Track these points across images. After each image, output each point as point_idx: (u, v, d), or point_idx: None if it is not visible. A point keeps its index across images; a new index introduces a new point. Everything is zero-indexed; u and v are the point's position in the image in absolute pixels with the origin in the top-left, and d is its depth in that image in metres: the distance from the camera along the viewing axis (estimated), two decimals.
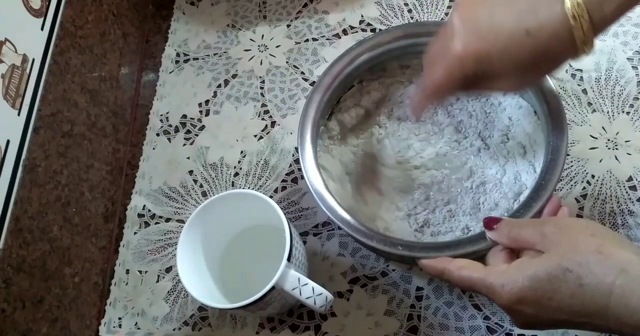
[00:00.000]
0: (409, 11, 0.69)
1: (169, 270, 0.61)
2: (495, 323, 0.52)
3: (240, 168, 0.64)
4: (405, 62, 0.60)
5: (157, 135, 0.68)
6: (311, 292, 0.46)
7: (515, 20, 0.38)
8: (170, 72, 0.72)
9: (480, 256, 0.44)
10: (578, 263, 0.35)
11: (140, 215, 0.64)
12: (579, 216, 0.55)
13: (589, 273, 0.34)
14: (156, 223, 0.63)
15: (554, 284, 0.35)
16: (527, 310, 0.36)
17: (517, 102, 0.56)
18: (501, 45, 0.38)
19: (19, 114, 0.51)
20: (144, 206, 0.64)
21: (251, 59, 0.71)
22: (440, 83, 0.42)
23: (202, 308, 0.58)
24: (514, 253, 0.41)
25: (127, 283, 0.61)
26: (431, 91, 0.44)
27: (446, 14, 0.67)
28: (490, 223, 0.42)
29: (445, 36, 0.42)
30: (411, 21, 0.68)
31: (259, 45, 0.71)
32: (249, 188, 0.63)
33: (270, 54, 0.70)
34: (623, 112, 0.58)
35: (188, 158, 0.66)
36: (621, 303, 0.33)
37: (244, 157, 0.65)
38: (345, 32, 0.69)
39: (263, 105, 0.67)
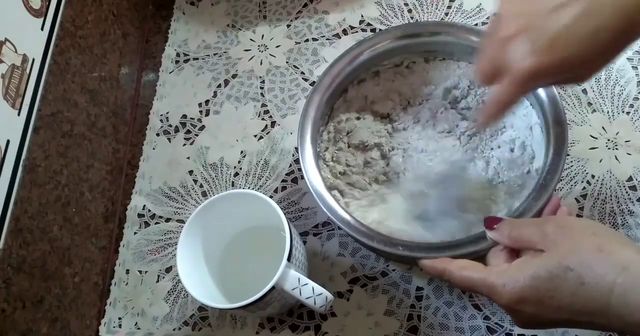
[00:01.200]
0: (409, 11, 0.69)
1: (169, 270, 0.61)
2: (495, 323, 0.52)
3: (240, 168, 0.64)
4: (405, 61, 0.60)
5: (157, 135, 0.68)
6: (311, 292, 0.46)
7: (577, 20, 0.35)
8: (170, 72, 0.72)
9: (480, 256, 0.44)
10: (579, 262, 0.35)
11: (140, 215, 0.64)
12: (579, 216, 0.55)
13: (590, 271, 0.34)
14: (156, 223, 0.63)
15: (555, 283, 0.35)
16: (528, 310, 0.36)
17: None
18: (572, 52, 0.36)
19: (19, 114, 0.51)
20: (144, 206, 0.64)
21: (251, 59, 0.71)
22: (511, 98, 0.40)
23: (202, 308, 0.58)
24: (515, 252, 0.41)
25: (127, 283, 0.61)
26: (503, 106, 0.41)
27: (446, 13, 0.67)
28: (491, 223, 0.42)
29: (503, 45, 0.38)
30: (411, 21, 0.68)
31: (259, 45, 0.71)
32: (249, 188, 0.63)
33: (270, 54, 0.70)
34: (623, 112, 0.58)
35: (188, 158, 0.66)
36: (622, 302, 0.33)
37: (244, 157, 0.65)
38: (345, 32, 0.69)
39: (263, 105, 0.67)
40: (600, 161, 0.57)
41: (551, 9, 0.36)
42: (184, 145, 0.67)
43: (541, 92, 0.50)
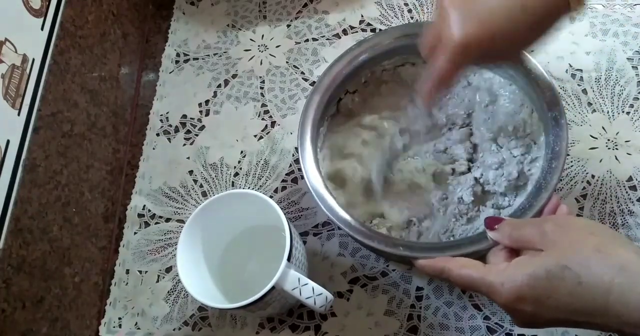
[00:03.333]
0: (409, 11, 0.69)
1: (169, 270, 0.61)
2: (495, 323, 0.52)
3: (240, 168, 0.64)
4: (405, 62, 0.60)
5: (157, 135, 0.68)
6: (311, 292, 0.46)
7: None
8: (170, 72, 0.72)
9: (481, 256, 0.44)
10: (577, 262, 0.35)
11: (140, 215, 0.64)
12: (579, 216, 0.55)
13: (588, 271, 0.34)
14: (156, 223, 0.63)
15: (553, 282, 0.35)
16: (526, 309, 0.36)
17: (519, 100, 0.56)
18: (500, 25, 0.39)
19: (19, 114, 0.51)
20: (144, 206, 0.64)
21: (251, 59, 0.71)
22: (445, 72, 0.42)
23: (202, 308, 0.58)
24: (515, 252, 0.41)
25: (127, 283, 0.61)
26: (438, 80, 0.43)
27: None
28: (492, 223, 0.42)
29: (440, 23, 0.41)
30: (411, 21, 0.68)
31: (259, 45, 0.71)
32: (249, 188, 0.63)
33: (270, 54, 0.70)
34: (623, 112, 0.58)
35: (188, 158, 0.66)
36: (620, 302, 0.33)
37: (244, 157, 0.65)
38: (345, 32, 0.69)
39: (263, 105, 0.67)
40: (600, 161, 0.57)
41: None
42: (184, 145, 0.67)
43: (541, 92, 0.50)
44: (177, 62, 0.73)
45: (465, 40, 0.40)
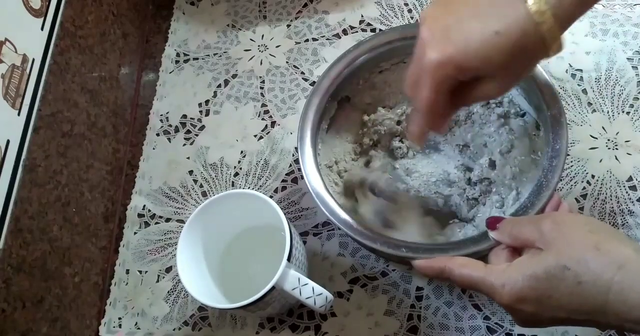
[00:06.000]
0: (409, 11, 0.69)
1: (169, 270, 0.61)
2: (495, 323, 0.52)
3: (240, 168, 0.64)
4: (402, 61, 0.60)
5: (157, 135, 0.68)
6: (311, 292, 0.46)
7: (483, 23, 0.38)
8: (170, 72, 0.72)
9: (482, 257, 0.44)
10: (576, 261, 0.35)
11: (140, 215, 0.64)
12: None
13: (587, 270, 0.34)
14: (156, 223, 0.63)
15: (553, 282, 0.35)
16: (527, 309, 0.36)
17: (516, 102, 0.56)
18: (475, 47, 0.38)
19: (19, 114, 0.51)
20: (144, 206, 0.64)
21: (251, 59, 0.71)
22: (430, 100, 0.41)
23: (202, 308, 0.58)
24: (516, 252, 0.41)
25: (127, 283, 0.61)
26: (426, 112, 0.42)
27: None
28: (493, 222, 0.42)
29: (419, 54, 0.41)
30: (411, 21, 0.68)
31: (259, 45, 0.71)
32: (249, 188, 0.63)
33: (270, 54, 0.70)
34: (623, 112, 0.58)
35: (188, 158, 0.66)
36: (620, 300, 0.33)
37: (244, 157, 0.65)
38: (345, 32, 0.69)
39: (263, 105, 0.67)
40: (600, 161, 0.57)
41: (465, 14, 0.39)
42: (184, 145, 0.67)
43: (541, 92, 0.50)
44: (177, 62, 0.73)
45: (442, 60, 0.39)
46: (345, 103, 0.60)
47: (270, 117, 0.66)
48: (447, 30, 0.39)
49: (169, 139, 0.68)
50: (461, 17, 0.39)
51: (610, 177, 0.56)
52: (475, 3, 0.39)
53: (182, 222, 0.62)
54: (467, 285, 0.41)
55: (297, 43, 0.70)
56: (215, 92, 0.69)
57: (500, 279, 0.38)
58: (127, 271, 0.61)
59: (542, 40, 0.38)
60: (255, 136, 0.66)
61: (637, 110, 0.58)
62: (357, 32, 0.69)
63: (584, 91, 0.60)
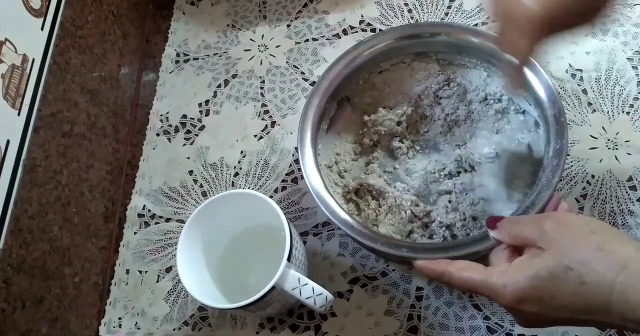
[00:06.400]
0: (409, 11, 0.69)
1: (169, 270, 0.61)
2: (495, 323, 0.52)
3: (240, 168, 0.64)
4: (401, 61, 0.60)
5: (157, 135, 0.68)
6: (311, 292, 0.46)
7: None
8: (170, 72, 0.72)
9: (482, 257, 0.44)
10: (579, 261, 0.35)
11: (140, 215, 0.64)
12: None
13: (590, 270, 0.34)
14: (156, 223, 0.63)
15: (556, 283, 0.35)
16: (530, 309, 0.36)
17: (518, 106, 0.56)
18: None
19: (19, 114, 0.51)
20: (144, 206, 0.64)
21: (251, 59, 0.71)
22: (529, 51, 0.41)
23: (202, 308, 0.58)
24: (517, 252, 0.41)
25: (127, 283, 0.61)
26: (523, 60, 0.43)
27: (446, 13, 0.67)
28: (493, 222, 0.42)
29: (507, 1, 0.40)
30: (411, 21, 0.68)
31: (259, 45, 0.71)
32: (249, 188, 0.63)
33: (270, 54, 0.70)
34: (623, 112, 0.58)
35: (188, 158, 0.66)
36: (623, 300, 0.33)
37: (244, 157, 0.65)
38: (345, 32, 0.69)
39: (263, 105, 0.67)
40: (600, 161, 0.57)
41: None
42: (184, 145, 0.67)
43: (541, 92, 0.51)
44: (177, 62, 0.73)
45: (543, 15, 0.39)
46: (345, 103, 0.60)
47: (270, 117, 0.66)
48: None
49: (169, 139, 0.68)
50: None
51: (610, 177, 0.56)
52: None
53: (182, 222, 0.62)
54: (468, 288, 0.41)
55: (297, 43, 0.70)
56: (215, 92, 0.69)
57: (501, 280, 0.37)
58: (127, 271, 0.61)
59: None
60: (255, 136, 0.66)
61: (637, 110, 0.58)
62: (357, 32, 0.69)
63: (584, 91, 0.60)
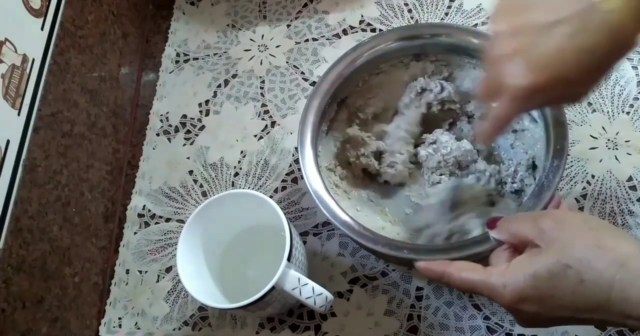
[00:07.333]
0: (409, 11, 0.69)
1: (169, 270, 0.61)
2: (495, 323, 0.52)
3: (240, 168, 0.64)
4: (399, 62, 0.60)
5: (157, 135, 0.68)
6: (311, 292, 0.46)
7: (570, 38, 0.36)
8: (170, 72, 0.72)
9: (483, 258, 0.44)
10: (577, 259, 0.35)
11: (140, 215, 0.64)
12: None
13: (589, 268, 0.34)
14: (156, 223, 0.63)
15: (555, 281, 0.35)
16: (530, 309, 0.36)
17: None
18: (569, 70, 0.37)
19: (19, 114, 0.51)
20: (144, 206, 0.64)
21: (251, 59, 0.71)
22: (508, 116, 0.41)
23: (202, 308, 0.58)
24: (517, 252, 0.41)
25: (127, 283, 0.61)
26: (501, 124, 0.42)
27: (446, 14, 0.67)
28: (493, 222, 0.42)
29: (498, 69, 0.40)
30: (411, 21, 0.68)
31: (259, 45, 0.71)
32: (249, 188, 0.63)
33: (270, 54, 0.70)
34: (623, 112, 0.58)
35: (188, 158, 0.66)
36: (622, 297, 0.33)
37: (244, 157, 0.65)
38: (345, 32, 0.69)
39: (263, 105, 0.67)
40: (600, 161, 0.57)
41: (544, 27, 0.37)
42: (184, 145, 0.67)
43: None
44: (177, 62, 0.73)
45: (532, 86, 0.38)
46: (345, 104, 0.60)
47: (270, 117, 0.66)
48: (533, 50, 0.37)
49: (169, 139, 0.68)
50: (542, 32, 0.37)
51: (610, 177, 0.56)
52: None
53: (182, 222, 0.62)
54: (467, 289, 0.41)
55: (297, 43, 0.70)
56: (215, 92, 0.69)
57: (501, 280, 0.37)
58: (127, 271, 0.61)
59: (631, 32, 0.35)
60: (255, 136, 0.66)
61: (637, 110, 0.58)
62: (357, 32, 0.69)
63: None
